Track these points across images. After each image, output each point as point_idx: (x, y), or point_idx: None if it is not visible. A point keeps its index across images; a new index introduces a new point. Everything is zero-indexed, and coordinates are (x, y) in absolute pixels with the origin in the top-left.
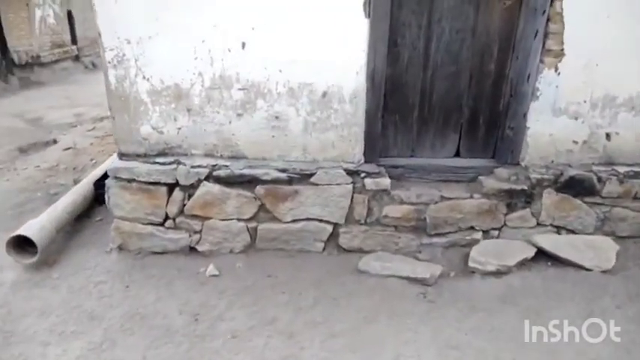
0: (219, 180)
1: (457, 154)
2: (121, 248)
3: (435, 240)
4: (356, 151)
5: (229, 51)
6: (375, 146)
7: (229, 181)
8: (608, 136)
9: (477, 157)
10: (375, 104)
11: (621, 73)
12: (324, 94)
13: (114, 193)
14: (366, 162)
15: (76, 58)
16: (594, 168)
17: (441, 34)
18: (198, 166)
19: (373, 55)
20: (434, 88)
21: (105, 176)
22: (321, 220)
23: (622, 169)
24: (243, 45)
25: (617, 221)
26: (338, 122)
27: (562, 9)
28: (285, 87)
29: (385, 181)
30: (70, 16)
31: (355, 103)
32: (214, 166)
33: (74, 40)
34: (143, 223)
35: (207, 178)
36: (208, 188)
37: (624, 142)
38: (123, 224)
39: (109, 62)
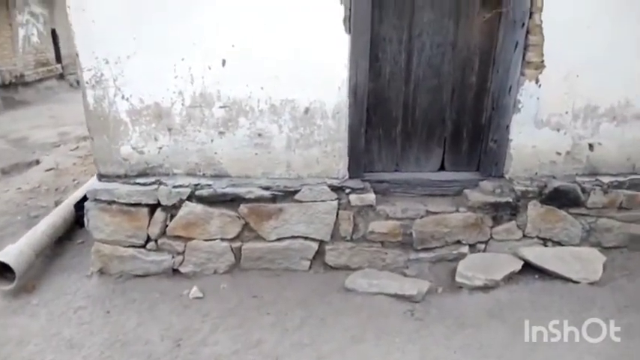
0: (201, 199)
1: (442, 168)
2: (101, 272)
3: (422, 255)
4: (340, 166)
5: (209, 69)
6: (359, 161)
7: (212, 201)
8: (591, 146)
9: (462, 170)
10: (358, 119)
11: (602, 84)
12: (307, 110)
13: (93, 216)
14: (350, 177)
15: (61, 77)
16: (578, 179)
17: (421, 48)
18: (180, 186)
19: (355, 70)
20: (416, 102)
21: (86, 198)
22: (306, 238)
23: (606, 180)
24: (224, 62)
25: (602, 232)
26: (321, 138)
27: (541, 21)
28: (267, 104)
29: (370, 197)
30: (54, 34)
31: (338, 118)
32: (197, 185)
33: (59, 59)
34: (124, 246)
35: (190, 197)
36: (191, 208)
37: (607, 152)
38: (103, 247)
39: (87, 82)
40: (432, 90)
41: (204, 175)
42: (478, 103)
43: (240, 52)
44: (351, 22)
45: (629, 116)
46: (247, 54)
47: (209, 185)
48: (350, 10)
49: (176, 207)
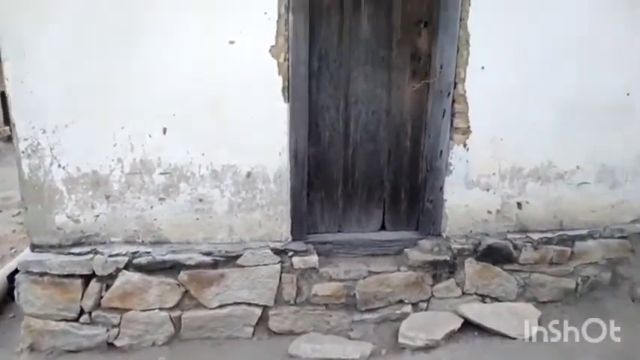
0: (139, 268)
1: (383, 228)
2: (32, 348)
3: (366, 316)
4: (283, 229)
5: (150, 136)
6: (301, 224)
7: (151, 269)
8: (519, 205)
9: (402, 229)
10: (299, 183)
11: (525, 146)
12: (249, 175)
13: (24, 289)
14: (293, 240)
15: (9, 139)
16: (509, 236)
17: (358, 115)
18: (117, 255)
19: (295, 137)
20: (356, 165)
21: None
22: (249, 304)
23: (535, 236)
24: (165, 130)
25: (536, 287)
26: (264, 202)
27: (465, 91)
28: (208, 169)
29: (313, 259)
30: (2, 96)
31: (280, 182)
32: (135, 253)
33: (7, 121)
34: (56, 320)
35: (127, 266)
36: (128, 277)
37: (535, 210)
38: (34, 322)
39: (23, 152)
40: (369, 154)
41: (143, 243)
42: (413, 165)
43: (181, 121)
44: (289, 92)
45: (552, 176)
46: (188, 122)
47: (148, 253)
48: (288, 81)
49: (112, 277)
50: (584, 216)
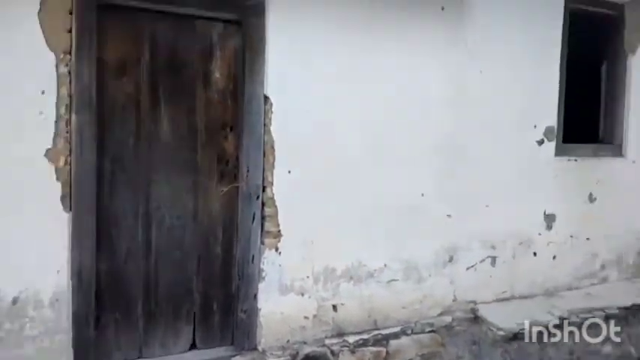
0: None
1: (194, 346)
2: None
3: None
4: None
5: None
6: (88, 354)
7: None
8: (334, 307)
9: (216, 346)
10: (84, 305)
11: (335, 248)
12: (15, 301)
13: None
14: None
15: None
16: (327, 342)
17: (161, 221)
18: None
19: (78, 251)
20: (159, 277)
21: None
22: None
23: (352, 339)
24: None
25: None
26: (36, 332)
27: (273, 194)
28: None
29: None
30: None
31: (58, 306)
32: None
33: None
34: None
35: None
36: None
37: (350, 311)
38: None
39: None
40: (175, 262)
41: None
42: (226, 272)
43: None
44: (72, 200)
45: (363, 275)
46: None
47: None
48: (70, 187)
49: None
50: (396, 313)
